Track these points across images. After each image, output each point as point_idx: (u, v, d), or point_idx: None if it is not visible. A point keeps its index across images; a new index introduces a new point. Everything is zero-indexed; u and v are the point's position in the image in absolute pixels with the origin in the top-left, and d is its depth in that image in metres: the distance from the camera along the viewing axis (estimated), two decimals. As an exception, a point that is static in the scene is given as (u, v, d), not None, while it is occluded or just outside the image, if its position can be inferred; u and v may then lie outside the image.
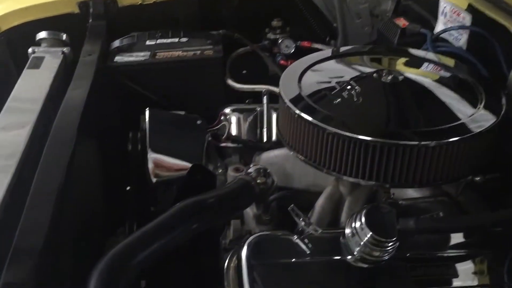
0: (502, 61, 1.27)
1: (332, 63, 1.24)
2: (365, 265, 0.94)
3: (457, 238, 1.02)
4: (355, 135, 0.96)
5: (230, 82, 1.55)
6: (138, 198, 1.31)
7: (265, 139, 1.40)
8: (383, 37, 1.66)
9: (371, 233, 0.90)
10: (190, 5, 1.74)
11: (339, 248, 0.96)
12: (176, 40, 1.61)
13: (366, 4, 1.82)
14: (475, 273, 1.00)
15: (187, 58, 1.53)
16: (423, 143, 0.94)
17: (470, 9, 1.36)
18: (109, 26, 1.66)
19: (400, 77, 1.10)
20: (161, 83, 1.53)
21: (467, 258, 1.01)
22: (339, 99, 1.08)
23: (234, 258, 1.00)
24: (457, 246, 1.02)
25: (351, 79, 1.13)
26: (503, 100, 1.07)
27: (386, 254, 0.92)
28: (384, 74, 1.12)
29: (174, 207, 0.96)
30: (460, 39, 1.43)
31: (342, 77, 1.15)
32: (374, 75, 1.13)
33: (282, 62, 1.68)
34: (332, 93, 1.11)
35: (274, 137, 1.40)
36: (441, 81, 1.17)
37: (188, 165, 1.27)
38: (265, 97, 1.41)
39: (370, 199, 1.13)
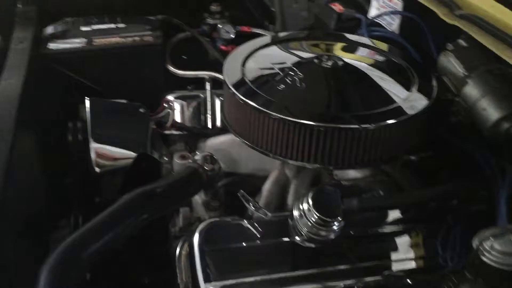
0: (432, 45, 1.35)
1: (274, 48, 1.26)
2: (313, 245, 0.99)
3: (394, 214, 1.09)
4: (298, 120, 1.00)
5: (171, 68, 1.53)
6: (82, 189, 1.28)
7: (209, 126, 1.40)
8: (320, 21, 1.70)
9: (318, 214, 0.94)
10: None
11: (288, 230, 1.00)
12: (113, 26, 1.57)
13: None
14: (411, 246, 1.07)
15: (126, 45, 1.49)
16: (363, 126, 0.99)
17: (402, -5, 1.43)
18: (40, 11, 1.59)
19: (340, 63, 1.14)
20: (99, 70, 1.49)
21: (404, 233, 1.07)
22: (282, 85, 1.11)
23: (185, 245, 1.01)
24: (395, 222, 1.09)
25: (293, 64, 1.16)
26: (434, 83, 1.13)
27: (332, 233, 0.96)
28: (324, 60, 1.15)
29: (124, 197, 0.95)
30: (393, 24, 1.49)
31: (284, 62, 1.18)
32: (315, 60, 1.16)
33: (222, 47, 1.68)
34: (275, 78, 1.13)
35: (218, 123, 1.41)
36: (377, 65, 1.22)
37: (133, 154, 1.26)
38: (208, 83, 1.41)
39: (315, 181, 1.17)
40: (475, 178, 1.07)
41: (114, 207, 0.93)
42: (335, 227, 0.96)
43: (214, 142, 1.33)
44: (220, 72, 1.46)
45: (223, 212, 1.15)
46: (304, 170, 1.16)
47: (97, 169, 1.24)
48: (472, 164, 1.09)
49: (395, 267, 1.03)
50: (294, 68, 1.14)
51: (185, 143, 1.36)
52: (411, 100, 1.07)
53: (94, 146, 1.24)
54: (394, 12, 1.45)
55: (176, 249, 1.03)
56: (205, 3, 1.75)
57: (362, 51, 1.30)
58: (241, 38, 1.69)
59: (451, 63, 1.15)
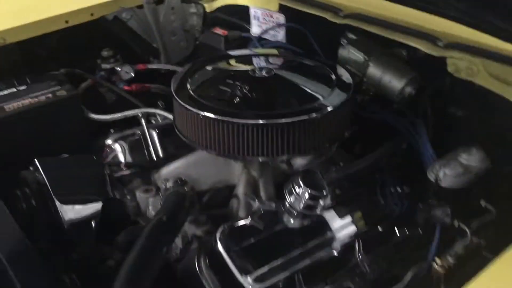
0: (316, 46, 1.63)
1: (208, 68, 1.41)
2: (306, 222, 1.16)
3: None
4: (254, 121, 1.15)
5: (95, 116, 1.55)
6: (56, 250, 1.25)
7: (154, 158, 1.47)
8: (208, 46, 1.88)
9: (310, 190, 1.11)
10: (11, 52, 1.65)
11: (281, 217, 1.16)
12: (15, 89, 1.52)
13: (177, 22, 2.00)
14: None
15: (42, 103, 1.47)
16: (305, 117, 1.16)
17: (282, 8, 1.68)
18: None
19: (272, 72, 1.33)
20: (20, 135, 1.44)
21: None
22: (229, 94, 1.27)
23: (202, 258, 1.10)
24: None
25: (234, 77, 1.33)
26: (349, 77, 1.33)
27: (321, 207, 1.15)
28: (258, 71, 1.34)
29: (142, 237, 1.01)
30: (278, 36, 1.75)
31: (225, 76, 1.33)
32: (250, 72, 1.34)
33: (126, 87, 1.74)
34: (222, 90, 1.29)
35: (160, 154, 1.48)
36: (301, 70, 1.41)
37: (98, 203, 1.28)
38: (142, 119, 1.49)
39: (275, 175, 1.35)
40: (396, 138, 1.35)
41: (138, 249, 0.98)
42: (321, 202, 1.14)
43: (168, 170, 1.41)
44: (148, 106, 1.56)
45: (210, 224, 1.25)
46: (266, 168, 1.32)
47: (66, 225, 1.24)
48: (387, 129, 1.37)
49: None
50: (236, 81, 1.30)
51: (140, 179, 1.41)
52: (335, 94, 1.26)
53: (63, 208, 1.23)
54: (280, 25, 1.70)
55: (189, 267, 1.11)
56: (94, 51, 1.78)
57: (286, 61, 1.49)
58: (140, 76, 1.80)
59: (351, 53, 1.44)
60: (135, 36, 1.95)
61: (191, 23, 2.07)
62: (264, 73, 1.33)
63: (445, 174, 1.12)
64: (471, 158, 1.14)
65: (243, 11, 1.89)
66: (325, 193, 1.13)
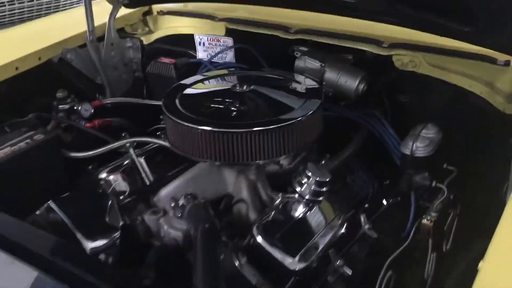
0: (261, 60, 1.84)
1: (191, 89, 1.55)
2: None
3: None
4: (247, 129, 1.30)
5: (77, 154, 1.58)
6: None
7: (147, 182, 1.55)
8: (157, 76, 1.98)
9: (318, 178, 1.30)
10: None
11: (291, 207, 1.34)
12: None
13: (116, 58, 2.07)
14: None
15: (23, 150, 1.47)
16: (285, 123, 1.34)
17: (230, 32, 1.86)
18: None
19: (251, 87, 1.50)
20: (6, 183, 1.42)
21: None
22: (218, 108, 1.43)
23: (240, 256, 1.22)
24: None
25: (219, 94, 1.47)
26: (321, 92, 1.49)
27: (326, 192, 1.34)
28: (238, 87, 1.50)
29: (199, 246, 1.11)
30: (226, 57, 1.92)
31: (210, 94, 1.47)
32: (231, 87, 1.50)
33: (88, 124, 1.78)
34: (211, 105, 1.44)
35: (150, 178, 1.56)
36: (275, 84, 1.58)
37: (116, 231, 1.34)
38: (131, 148, 1.55)
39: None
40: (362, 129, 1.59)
41: (202, 258, 1.08)
42: (326, 187, 1.34)
43: (168, 190, 1.49)
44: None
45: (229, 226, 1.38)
46: (262, 170, 1.48)
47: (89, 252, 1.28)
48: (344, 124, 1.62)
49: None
50: (221, 97, 1.46)
51: (144, 204, 1.48)
52: (307, 103, 1.42)
53: (85, 241, 1.27)
54: (231, 47, 1.87)
55: (228, 267, 1.23)
56: (43, 94, 1.79)
57: (261, 78, 1.63)
58: (99, 111, 1.84)
59: (308, 62, 1.66)
60: (80, 75, 1.98)
61: (129, 56, 2.15)
62: (244, 88, 1.50)
63: (417, 147, 1.39)
64: (430, 132, 1.43)
65: (183, 39, 2.04)
66: (328, 180, 1.33)
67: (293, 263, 1.18)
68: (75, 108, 1.79)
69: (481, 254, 0.81)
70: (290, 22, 1.71)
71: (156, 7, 2.12)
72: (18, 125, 1.57)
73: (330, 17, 1.63)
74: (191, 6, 2.01)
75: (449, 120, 1.46)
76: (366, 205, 1.42)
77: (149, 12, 2.18)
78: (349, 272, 1.21)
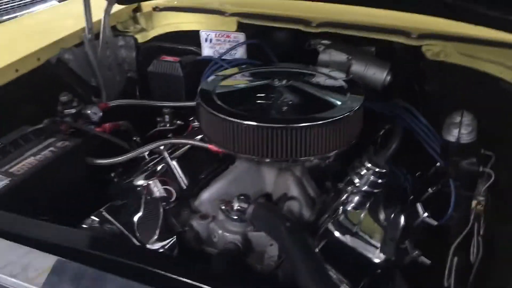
0: (272, 56, 1.80)
1: (228, 80, 1.50)
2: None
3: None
4: (303, 124, 1.27)
5: (102, 161, 1.45)
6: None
7: (183, 186, 1.46)
8: (162, 75, 1.87)
9: (377, 168, 1.30)
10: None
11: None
12: (8, 151, 1.35)
13: (111, 57, 1.94)
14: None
15: (50, 159, 1.33)
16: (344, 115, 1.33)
17: (242, 27, 1.80)
18: None
19: (289, 82, 1.46)
20: (36, 195, 1.28)
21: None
22: (265, 103, 1.39)
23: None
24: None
25: (258, 88, 1.42)
26: (361, 86, 1.48)
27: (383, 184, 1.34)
28: (278, 81, 1.45)
29: (292, 246, 1.07)
30: (236, 53, 1.86)
31: (248, 89, 1.43)
32: (270, 82, 1.45)
33: (98, 129, 1.65)
34: (257, 100, 1.39)
35: (186, 182, 1.48)
36: (310, 79, 1.54)
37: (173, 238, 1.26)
38: (165, 152, 1.45)
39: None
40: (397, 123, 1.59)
41: (301, 257, 1.04)
42: (384, 179, 1.33)
43: (210, 193, 1.42)
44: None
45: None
46: (304, 166, 1.44)
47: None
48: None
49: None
50: (262, 92, 1.41)
51: (188, 209, 1.39)
52: (349, 100, 1.40)
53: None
54: (243, 43, 1.81)
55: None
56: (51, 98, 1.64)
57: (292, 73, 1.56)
58: (107, 114, 1.71)
59: (333, 55, 1.65)
60: (77, 76, 1.84)
61: (121, 56, 2.02)
62: (283, 82, 1.46)
63: (462, 133, 1.42)
64: (466, 119, 1.46)
65: (185, 36, 1.95)
66: (385, 171, 1.33)
67: (376, 255, 1.16)
68: (87, 111, 1.66)
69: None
70: (309, 16, 1.69)
71: (150, 3, 2.00)
72: (35, 134, 1.42)
73: (350, 9, 1.63)
74: (191, 1, 1.92)
75: (480, 107, 1.51)
76: (411, 197, 1.44)
77: (138, 9, 2.06)
78: (427, 261, 1.21)
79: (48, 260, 0.86)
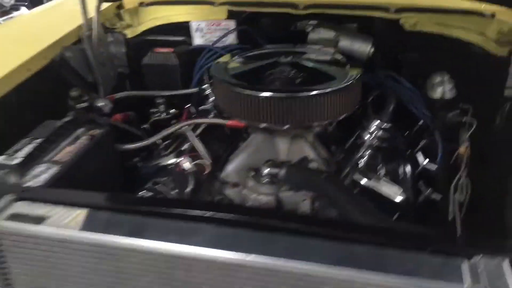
0: (260, 40, 1.95)
1: (235, 63, 1.66)
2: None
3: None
4: (318, 92, 1.44)
5: (128, 146, 1.54)
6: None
7: (208, 162, 1.58)
8: (157, 66, 1.97)
9: (385, 124, 1.50)
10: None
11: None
12: (40, 143, 1.41)
13: (104, 53, 2.00)
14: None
15: (89, 146, 1.41)
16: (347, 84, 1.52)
17: (232, 15, 1.93)
18: None
19: (292, 59, 1.62)
20: (83, 181, 1.36)
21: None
22: (279, 77, 1.55)
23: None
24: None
25: (268, 65, 1.59)
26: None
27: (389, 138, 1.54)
28: (283, 58, 1.61)
29: (336, 192, 1.24)
30: (227, 40, 1.99)
31: (260, 67, 1.59)
32: (277, 59, 1.61)
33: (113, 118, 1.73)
34: (271, 76, 1.56)
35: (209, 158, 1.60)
36: (316, 56, 1.70)
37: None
38: (191, 131, 1.57)
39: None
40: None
41: (345, 198, 1.21)
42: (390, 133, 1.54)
43: (235, 165, 1.56)
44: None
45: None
46: (311, 132, 1.61)
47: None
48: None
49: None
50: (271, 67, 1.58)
51: (219, 181, 1.52)
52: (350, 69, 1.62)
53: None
54: (233, 30, 1.94)
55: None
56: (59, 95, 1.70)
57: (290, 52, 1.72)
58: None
59: (322, 33, 1.82)
60: (77, 73, 1.89)
61: (112, 52, 2.09)
62: (289, 59, 1.62)
63: (445, 90, 1.64)
64: (445, 78, 1.69)
65: (175, 28, 2.05)
66: (390, 125, 1.53)
67: (398, 195, 1.35)
68: (99, 104, 1.73)
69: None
70: (293, 0, 1.86)
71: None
72: (64, 127, 1.49)
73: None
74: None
75: (455, 68, 1.74)
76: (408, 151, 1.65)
77: (121, 6, 2.14)
78: (437, 197, 1.42)
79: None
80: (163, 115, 1.96)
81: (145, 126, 1.81)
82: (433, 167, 1.55)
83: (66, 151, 1.39)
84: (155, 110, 1.95)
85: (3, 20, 4.42)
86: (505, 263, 0.84)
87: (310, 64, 1.64)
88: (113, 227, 0.97)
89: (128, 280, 0.98)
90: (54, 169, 1.30)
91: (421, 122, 1.75)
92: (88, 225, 0.98)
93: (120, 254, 0.96)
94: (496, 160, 1.49)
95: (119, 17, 2.13)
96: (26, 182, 1.25)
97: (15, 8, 4.84)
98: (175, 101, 1.98)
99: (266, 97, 1.42)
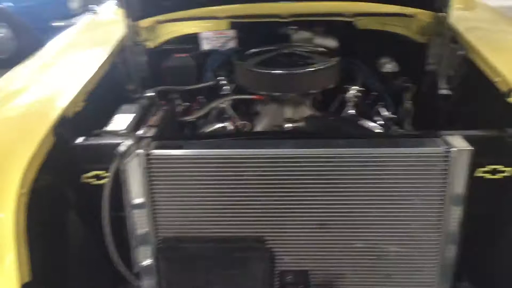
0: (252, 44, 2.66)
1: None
2: None
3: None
4: (321, 66, 2.19)
5: (186, 117, 2.19)
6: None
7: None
8: (179, 67, 2.58)
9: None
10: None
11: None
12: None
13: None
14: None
15: (168, 114, 2.05)
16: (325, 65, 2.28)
17: (233, 25, 2.61)
18: None
19: (292, 49, 2.34)
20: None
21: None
22: (287, 60, 2.26)
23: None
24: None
25: (276, 56, 2.30)
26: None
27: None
28: (283, 48, 2.33)
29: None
30: (229, 44, 2.66)
31: (269, 58, 2.30)
32: (279, 51, 2.32)
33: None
34: (282, 61, 2.26)
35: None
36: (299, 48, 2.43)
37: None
38: (228, 105, 2.24)
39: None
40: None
41: None
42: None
43: (259, 125, 2.24)
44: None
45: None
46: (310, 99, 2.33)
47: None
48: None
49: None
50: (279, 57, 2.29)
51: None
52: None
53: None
54: (233, 37, 2.62)
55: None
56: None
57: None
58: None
59: (301, 35, 2.56)
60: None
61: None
62: (286, 50, 2.34)
63: (391, 67, 2.44)
64: (389, 59, 2.49)
65: (187, 38, 2.68)
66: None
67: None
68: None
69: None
70: (282, 12, 2.57)
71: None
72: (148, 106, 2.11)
73: (308, 4, 2.57)
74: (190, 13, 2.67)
75: (397, 53, 2.54)
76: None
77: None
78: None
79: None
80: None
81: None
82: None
83: (153, 120, 2.00)
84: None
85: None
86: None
87: (304, 54, 2.37)
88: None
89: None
90: (152, 131, 1.91)
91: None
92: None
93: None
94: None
95: (137, 33, 2.72)
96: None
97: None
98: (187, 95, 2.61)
99: (279, 73, 2.12)
